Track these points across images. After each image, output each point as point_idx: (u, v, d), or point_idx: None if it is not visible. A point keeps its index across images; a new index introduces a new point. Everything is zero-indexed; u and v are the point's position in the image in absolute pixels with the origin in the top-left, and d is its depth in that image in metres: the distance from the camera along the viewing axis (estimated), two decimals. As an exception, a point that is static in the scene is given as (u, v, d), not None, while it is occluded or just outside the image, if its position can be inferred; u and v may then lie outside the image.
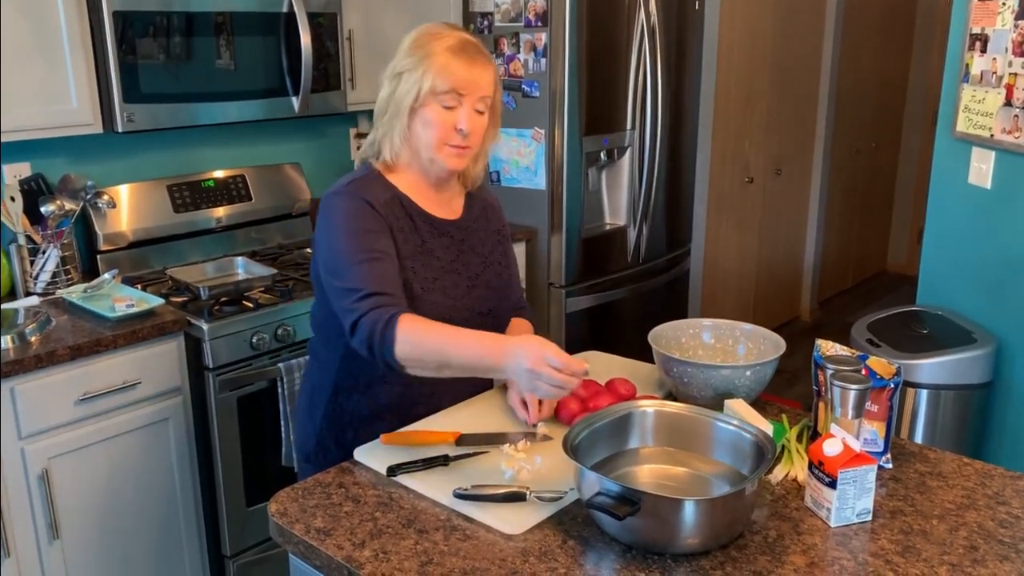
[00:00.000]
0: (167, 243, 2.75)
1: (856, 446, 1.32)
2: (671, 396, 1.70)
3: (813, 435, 1.54)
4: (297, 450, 1.78)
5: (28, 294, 2.42)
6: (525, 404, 1.62)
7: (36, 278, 2.43)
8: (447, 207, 1.69)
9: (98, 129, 2.40)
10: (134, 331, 2.20)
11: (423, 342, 1.41)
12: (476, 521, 1.33)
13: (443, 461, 1.47)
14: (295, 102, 2.77)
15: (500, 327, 1.73)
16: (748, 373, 1.59)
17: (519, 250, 3.18)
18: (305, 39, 2.69)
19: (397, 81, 1.56)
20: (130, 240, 2.67)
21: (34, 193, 2.47)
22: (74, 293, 2.36)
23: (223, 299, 2.41)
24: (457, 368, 1.42)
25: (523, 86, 3.10)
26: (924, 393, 2.49)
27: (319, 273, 1.59)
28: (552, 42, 2.99)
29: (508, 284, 1.76)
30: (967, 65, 2.62)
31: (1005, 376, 2.52)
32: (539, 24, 3.00)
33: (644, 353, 1.80)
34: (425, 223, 1.63)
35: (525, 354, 1.33)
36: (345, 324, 1.48)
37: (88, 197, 2.52)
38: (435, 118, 1.55)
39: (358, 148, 3.26)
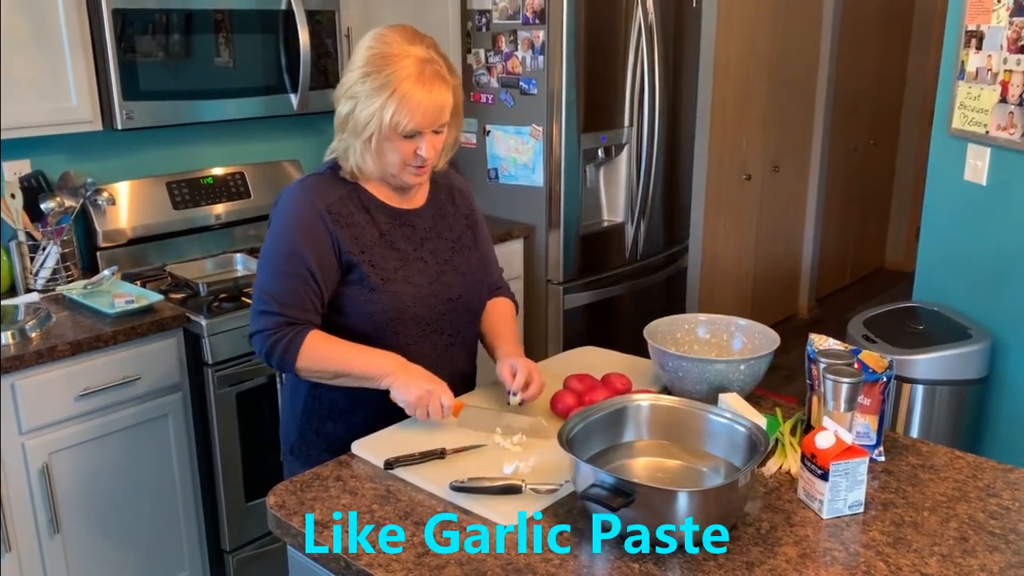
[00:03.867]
0: (166, 240, 2.77)
1: (848, 439, 1.33)
2: (666, 390, 1.71)
3: (807, 428, 1.56)
4: (282, 443, 1.80)
5: (28, 291, 2.43)
6: (513, 376, 1.65)
7: (36, 275, 2.44)
8: (411, 199, 1.71)
9: (97, 126, 2.41)
10: (134, 327, 2.21)
11: (322, 362, 1.59)
12: (472, 513, 1.34)
13: (439, 454, 1.49)
14: (294, 99, 2.78)
15: (473, 312, 1.76)
16: (742, 367, 1.61)
17: (517, 247, 3.19)
18: (304, 37, 2.70)
19: (353, 104, 1.54)
20: (129, 237, 2.69)
21: (34, 190, 2.48)
22: (74, 289, 2.38)
23: (222, 295, 2.42)
24: (351, 381, 1.60)
25: (521, 83, 3.11)
26: (920, 389, 2.50)
27: None
28: (550, 39, 3.00)
29: (480, 267, 1.78)
30: (963, 62, 2.63)
31: (1000, 371, 2.53)
32: (537, 21, 3.01)
33: (642, 350, 1.81)
34: (384, 214, 1.65)
35: (432, 382, 1.56)
36: (251, 324, 1.62)
37: (88, 194, 2.54)
38: (395, 147, 1.56)
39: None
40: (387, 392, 1.59)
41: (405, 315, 1.63)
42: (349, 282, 1.61)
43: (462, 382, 1.78)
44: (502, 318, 1.81)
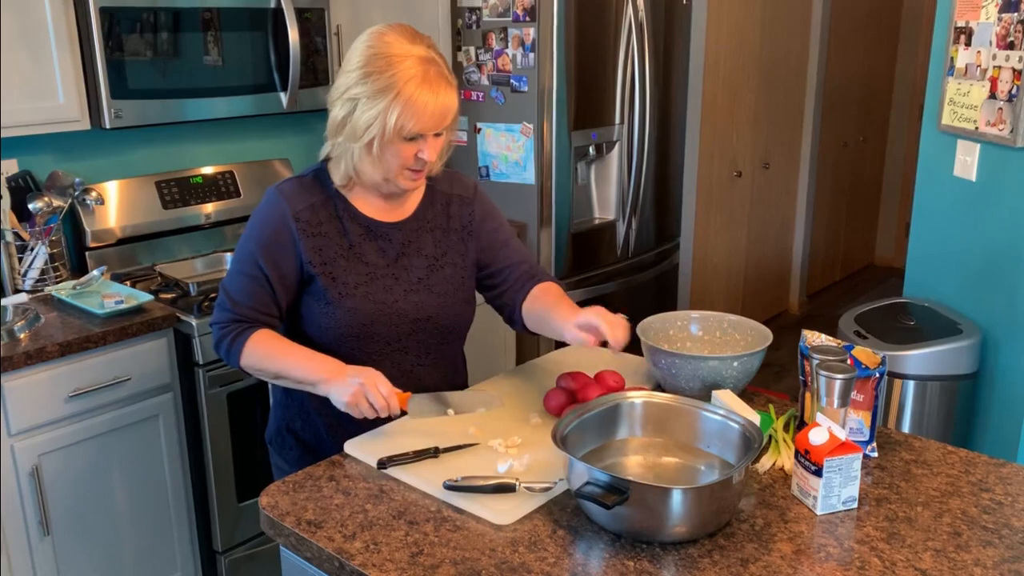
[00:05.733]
0: (156, 239, 2.75)
1: (842, 435, 1.33)
2: (659, 388, 1.71)
3: (800, 425, 1.56)
4: (265, 434, 1.80)
5: (17, 291, 2.42)
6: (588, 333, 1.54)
7: (24, 275, 2.42)
8: (396, 210, 1.65)
9: (86, 125, 2.39)
10: (123, 327, 2.20)
11: (263, 360, 1.56)
12: (466, 512, 1.34)
13: (433, 453, 1.48)
14: (283, 98, 2.76)
15: (446, 333, 1.69)
16: (735, 364, 1.61)
17: (508, 245, 3.18)
18: (293, 35, 2.69)
19: (352, 106, 1.50)
20: (119, 237, 2.67)
21: (22, 190, 2.46)
22: (63, 290, 2.36)
23: (212, 295, 2.41)
24: (290, 382, 1.57)
25: (512, 81, 3.10)
26: (911, 384, 2.51)
27: None
28: (540, 37, 3.00)
29: (461, 287, 1.69)
30: (952, 58, 2.64)
31: (990, 366, 2.54)
32: (527, 19, 3.01)
33: (634, 347, 1.81)
34: (359, 226, 1.61)
35: (360, 374, 1.47)
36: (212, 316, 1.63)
37: (76, 194, 2.52)
38: (397, 151, 1.51)
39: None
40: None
41: (362, 332, 1.59)
42: (309, 292, 1.60)
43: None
44: (551, 296, 1.68)
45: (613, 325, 1.51)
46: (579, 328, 1.52)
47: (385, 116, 1.47)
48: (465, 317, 1.72)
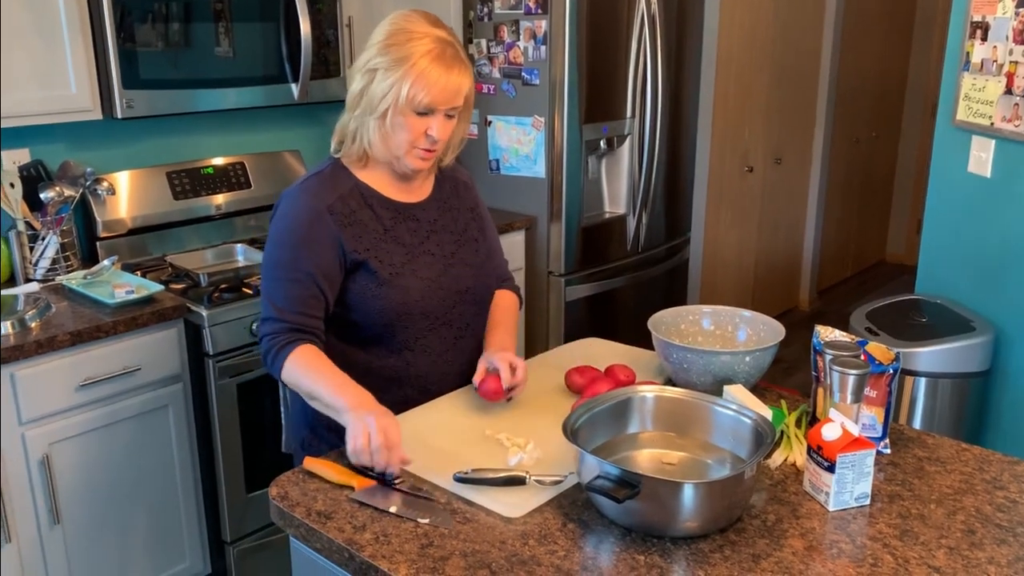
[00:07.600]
0: (166, 230, 2.75)
1: (855, 431, 1.32)
2: (671, 382, 1.70)
3: (812, 420, 1.55)
4: (293, 439, 1.78)
5: (28, 280, 2.42)
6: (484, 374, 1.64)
7: (36, 264, 2.43)
8: (415, 192, 1.69)
9: (97, 115, 2.39)
10: (134, 317, 2.20)
11: (300, 378, 1.55)
12: (476, 504, 1.33)
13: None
14: (294, 89, 2.76)
15: (481, 304, 1.75)
16: (747, 359, 1.60)
17: (518, 238, 3.18)
18: (304, 26, 2.68)
19: (370, 77, 1.54)
20: (129, 227, 2.67)
21: (33, 179, 2.46)
22: (74, 280, 2.37)
23: (223, 286, 2.41)
24: (320, 405, 1.54)
25: (523, 74, 3.09)
26: (922, 381, 2.49)
27: None
28: (552, 30, 2.98)
29: (487, 260, 1.77)
30: (968, 53, 2.61)
31: (1003, 364, 2.52)
32: (539, 11, 2.99)
33: (644, 342, 1.80)
34: (388, 210, 1.64)
35: (376, 416, 1.40)
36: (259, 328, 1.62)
37: (87, 184, 2.52)
38: (407, 124, 1.55)
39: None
40: (396, 386, 1.59)
41: (413, 309, 1.62)
42: (357, 279, 1.60)
43: (473, 375, 1.74)
44: (500, 309, 1.80)
45: (510, 369, 1.61)
46: (484, 366, 1.64)
47: (400, 86, 1.51)
48: (493, 288, 1.79)
